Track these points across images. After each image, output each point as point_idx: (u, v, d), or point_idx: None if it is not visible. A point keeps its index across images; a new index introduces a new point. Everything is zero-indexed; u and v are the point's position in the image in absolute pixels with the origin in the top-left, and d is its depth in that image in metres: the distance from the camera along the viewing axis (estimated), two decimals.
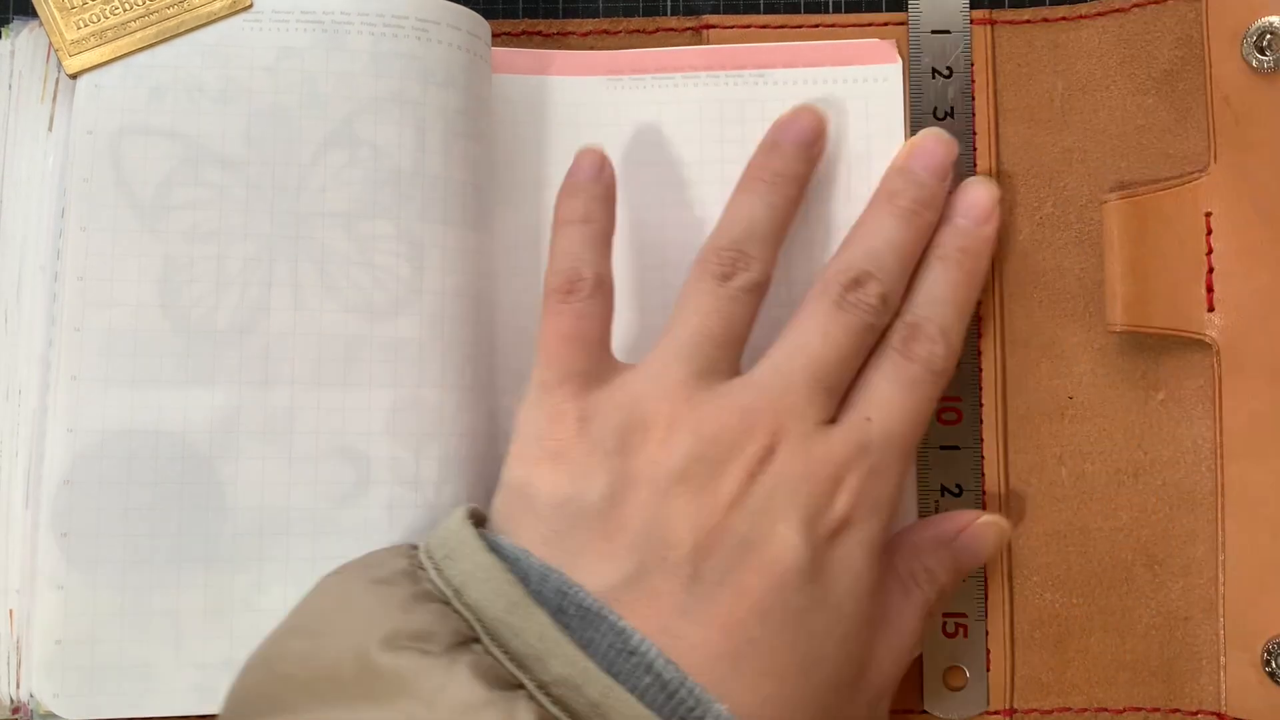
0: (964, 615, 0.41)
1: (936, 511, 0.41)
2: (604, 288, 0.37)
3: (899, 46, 0.43)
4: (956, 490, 0.41)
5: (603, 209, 0.39)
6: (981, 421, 0.42)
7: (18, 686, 0.36)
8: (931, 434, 0.41)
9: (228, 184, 0.37)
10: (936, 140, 0.40)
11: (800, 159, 0.40)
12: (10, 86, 0.38)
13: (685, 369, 0.36)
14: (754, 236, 0.38)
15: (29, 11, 0.38)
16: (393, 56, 0.38)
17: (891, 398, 0.37)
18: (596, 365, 0.36)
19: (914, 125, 0.42)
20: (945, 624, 0.41)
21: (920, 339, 0.38)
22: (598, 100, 0.43)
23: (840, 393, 0.37)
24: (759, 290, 0.38)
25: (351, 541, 0.37)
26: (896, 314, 0.38)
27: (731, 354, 0.37)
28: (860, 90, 0.42)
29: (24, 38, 0.38)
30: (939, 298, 0.39)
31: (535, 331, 0.40)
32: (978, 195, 0.40)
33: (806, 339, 0.37)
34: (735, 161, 0.42)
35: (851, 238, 0.39)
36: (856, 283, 0.37)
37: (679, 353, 0.36)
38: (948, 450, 0.41)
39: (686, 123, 0.42)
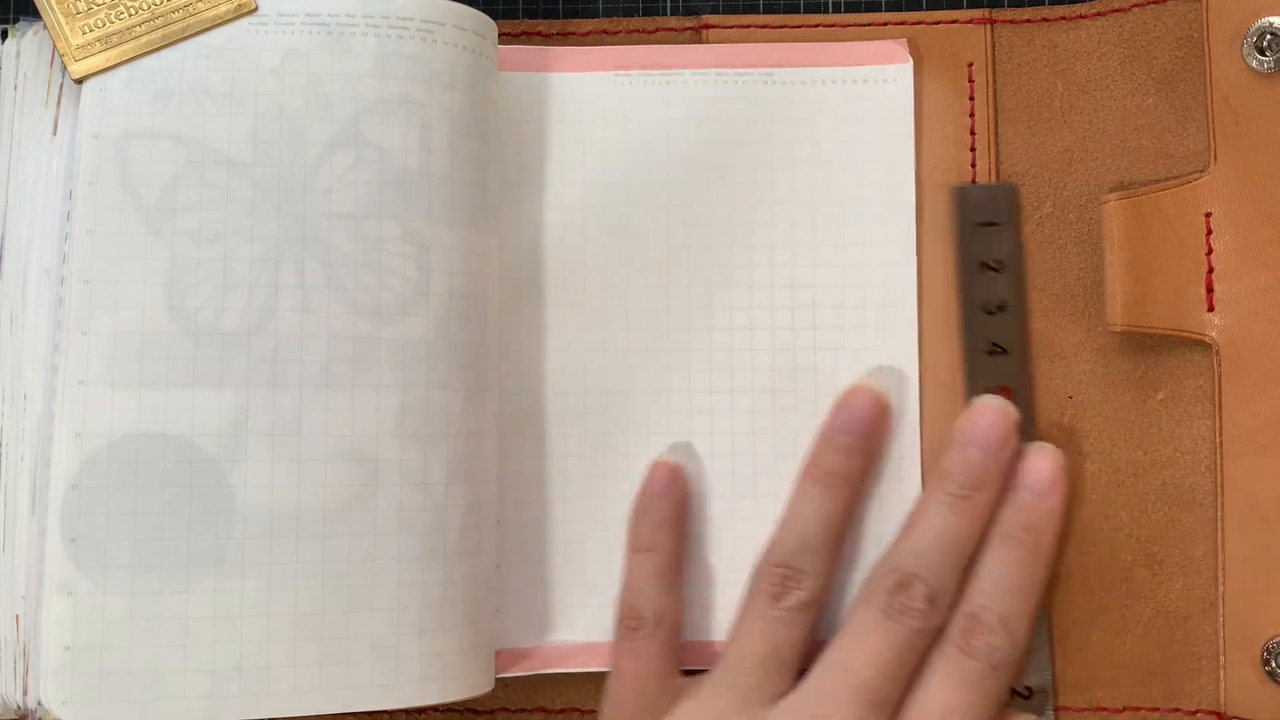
0: None
1: None
2: (664, 623, 0.39)
3: (910, 46, 0.43)
4: (1025, 693, 0.41)
5: (669, 534, 0.40)
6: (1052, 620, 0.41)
7: (25, 693, 0.35)
8: None
9: (234, 186, 0.36)
10: (994, 411, 0.38)
11: (857, 453, 0.40)
12: (16, 88, 0.38)
13: (730, 696, 0.37)
14: (806, 548, 0.38)
15: (32, 12, 0.37)
16: (398, 58, 0.37)
17: (949, 701, 0.36)
18: (655, 699, 0.38)
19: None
20: None
21: (979, 631, 0.36)
22: (605, 96, 0.42)
23: (891, 705, 0.36)
24: (812, 607, 0.38)
25: (361, 544, 0.37)
26: (959, 603, 0.37)
27: (780, 675, 0.38)
28: (870, 91, 0.42)
29: (29, 39, 0.38)
30: (1000, 582, 0.37)
31: (535, 331, 0.41)
32: (1040, 465, 0.38)
33: (850, 656, 0.37)
34: (742, 162, 0.42)
35: (902, 532, 0.38)
36: (901, 586, 0.37)
37: (728, 681, 0.38)
38: None
39: (694, 121, 0.42)
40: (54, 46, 0.37)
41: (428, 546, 0.37)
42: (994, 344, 0.41)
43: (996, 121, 0.42)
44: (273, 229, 0.37)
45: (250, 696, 0.36)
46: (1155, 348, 0.41)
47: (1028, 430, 0.41)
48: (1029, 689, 0.40)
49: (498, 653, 0.41)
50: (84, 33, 0.36)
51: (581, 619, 0.41)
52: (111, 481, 0.35)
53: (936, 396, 0.42)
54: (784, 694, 0.37)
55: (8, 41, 0.39)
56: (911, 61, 0.42)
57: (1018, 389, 0.41)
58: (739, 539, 0.41)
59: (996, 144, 0.42)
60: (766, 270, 0.42)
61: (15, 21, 0.39)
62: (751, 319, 0.42)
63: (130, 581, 0.35)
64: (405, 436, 0.37)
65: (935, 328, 0.42)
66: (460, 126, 0.38)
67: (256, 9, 0.37)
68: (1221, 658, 0.40)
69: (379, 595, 0.37)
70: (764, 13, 0.44)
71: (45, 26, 0.37)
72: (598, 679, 0.41)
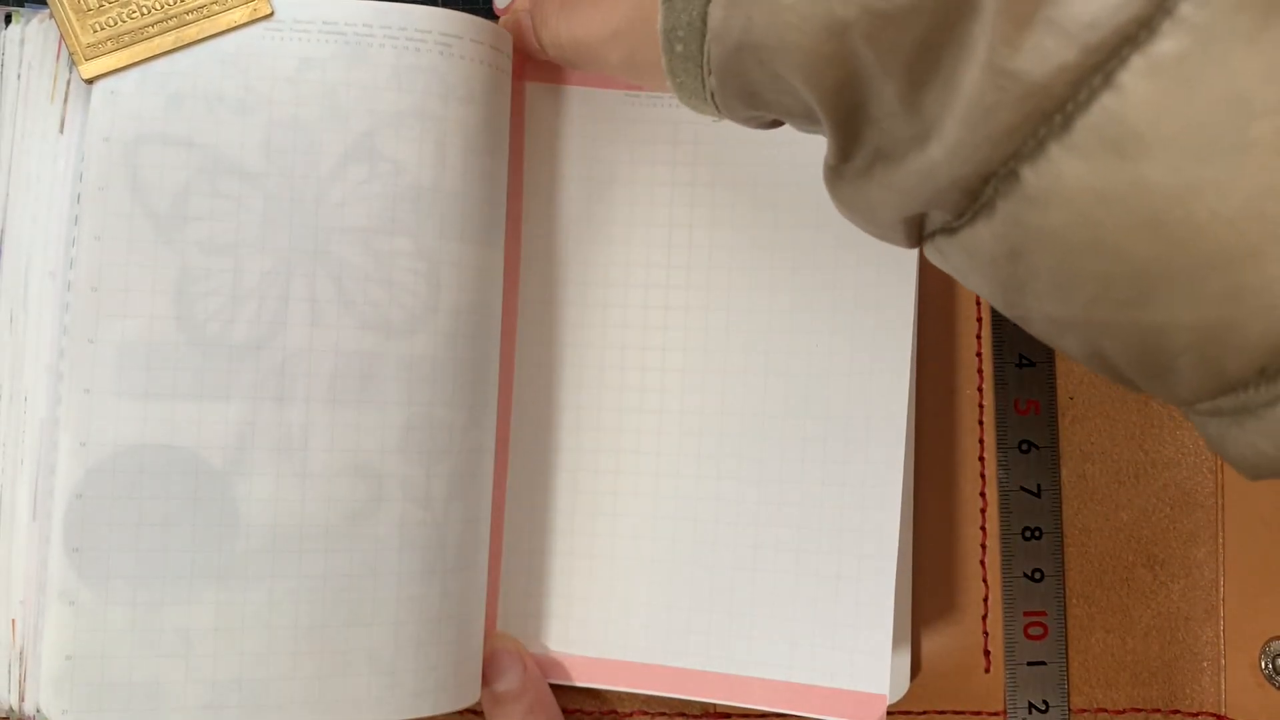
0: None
1: None
2: None
3: None
4: (1044, 707, 0.41)
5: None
6: (1067, 638, 0.41)
7: (21, 699, 0.35)
8: (1018, 650, 0.41)
9: (245, 196, 0.36)
10: None
11: None
12: (19, 77, 0.37)
13: None
14: None
15: None
16: (415, 71, 0.37)
17: None
18: None
19: None
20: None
21: None
22: (614, 116, 0.42)
23: None
24: None
25: (363, 559, 0.36)
26: None
27: None
28: None
29: (34, 27, 0.37)
30: None
31: (539, 344, 0.40)
32: None
33: None
34: (754, 185, 0.41)
35: None
36: None
37: None
38: (1035, 666, 0.41)
39: (703, 143, 0.42)
40: (60, 39, 0.36)
41: (427, 562, 0.37)
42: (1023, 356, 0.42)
43: None
44: (284, 241, 0.36)
45: (249, 708, 0.35)
46: None
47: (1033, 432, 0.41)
48: (1046, 703, 0.41)
49: None
50: (94, 31, 0.35)
51: (575, 632, 0.41)
52: (116, 491, 0.35)
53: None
54: None
55: (11, 27, 0.37)
56: None
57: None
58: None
59: None
60: (768, 292, 0.41)
61: (22, 3, 0.38)
62: (765, 339, 0.41)
63: (133, 592, 0.35)
64: (409, 453, 0.37)
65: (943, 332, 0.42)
66: (474, 142, 0.38)
67: (272, 14, 0.36)
68: (1222, 660, 0.40)
69: (379, 609, 0.37)
70: None
71: (51, 17, 0.36)
72: (587, 690, 0.42)
